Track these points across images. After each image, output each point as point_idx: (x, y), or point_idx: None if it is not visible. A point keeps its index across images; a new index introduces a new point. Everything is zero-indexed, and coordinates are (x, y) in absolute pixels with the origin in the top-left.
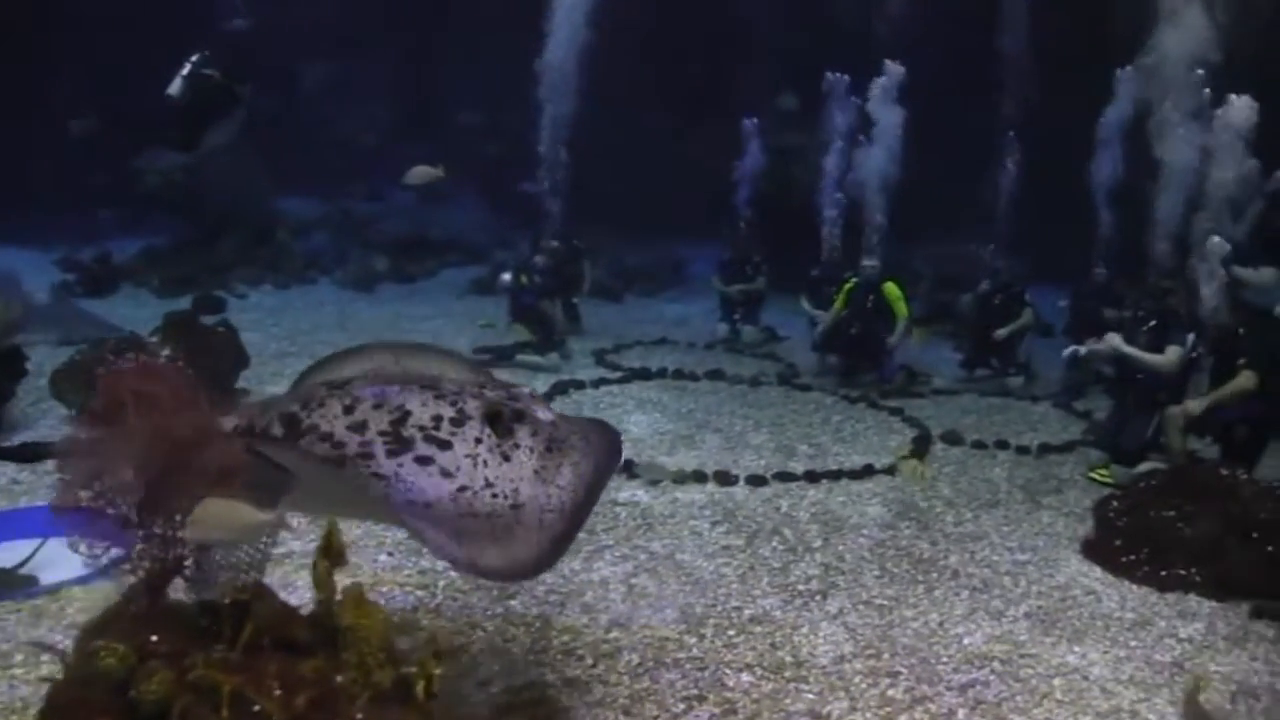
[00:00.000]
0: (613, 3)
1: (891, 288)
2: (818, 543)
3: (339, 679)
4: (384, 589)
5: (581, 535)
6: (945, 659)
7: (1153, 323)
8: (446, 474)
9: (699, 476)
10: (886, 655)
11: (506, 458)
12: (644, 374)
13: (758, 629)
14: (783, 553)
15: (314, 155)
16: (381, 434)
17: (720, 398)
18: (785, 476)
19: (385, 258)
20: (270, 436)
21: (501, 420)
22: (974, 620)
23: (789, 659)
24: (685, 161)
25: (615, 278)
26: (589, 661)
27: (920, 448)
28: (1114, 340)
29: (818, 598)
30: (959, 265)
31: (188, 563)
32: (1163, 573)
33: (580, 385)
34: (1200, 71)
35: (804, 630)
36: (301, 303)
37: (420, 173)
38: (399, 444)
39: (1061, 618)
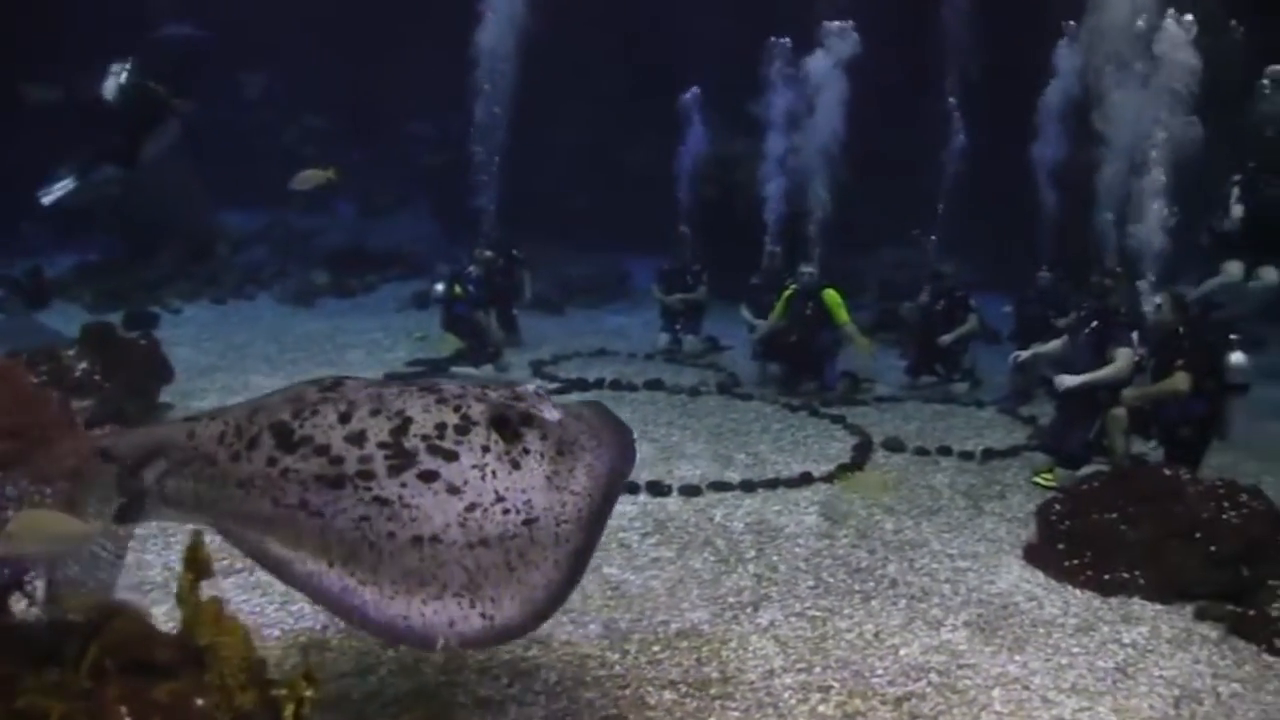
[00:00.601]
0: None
1: (831, 294)
2: (751, 553)
3: (199, 702)
4: (294, 606)
5: None
6: (880, 671)
7: (1094, 324)
8: (453, 490)
9: (631, 487)
10: (818, 669)
11: (516, 465)
12: (581, 385)
13: (684, 644)
14: (714, 564)
15: (255, 167)
16: (382, 446)
17: (658, 408)
18: (721, 486)
19: (326, 272)
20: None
21: (508, 424)
22: (911, 630)
23: (715, 675)
24: (631, 171)
25: (558, 290)
26: (504, 681)
27: (860, 456)
28: (1065, 380)
29: (749, 610)
30: (907, 273)
31: (31, 578)
32: (1106, 576)
33: None
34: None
35: (732, 644)
36: (238, 317)
37: (307, 177)
38: (401, 456)
39: (1002, 625)
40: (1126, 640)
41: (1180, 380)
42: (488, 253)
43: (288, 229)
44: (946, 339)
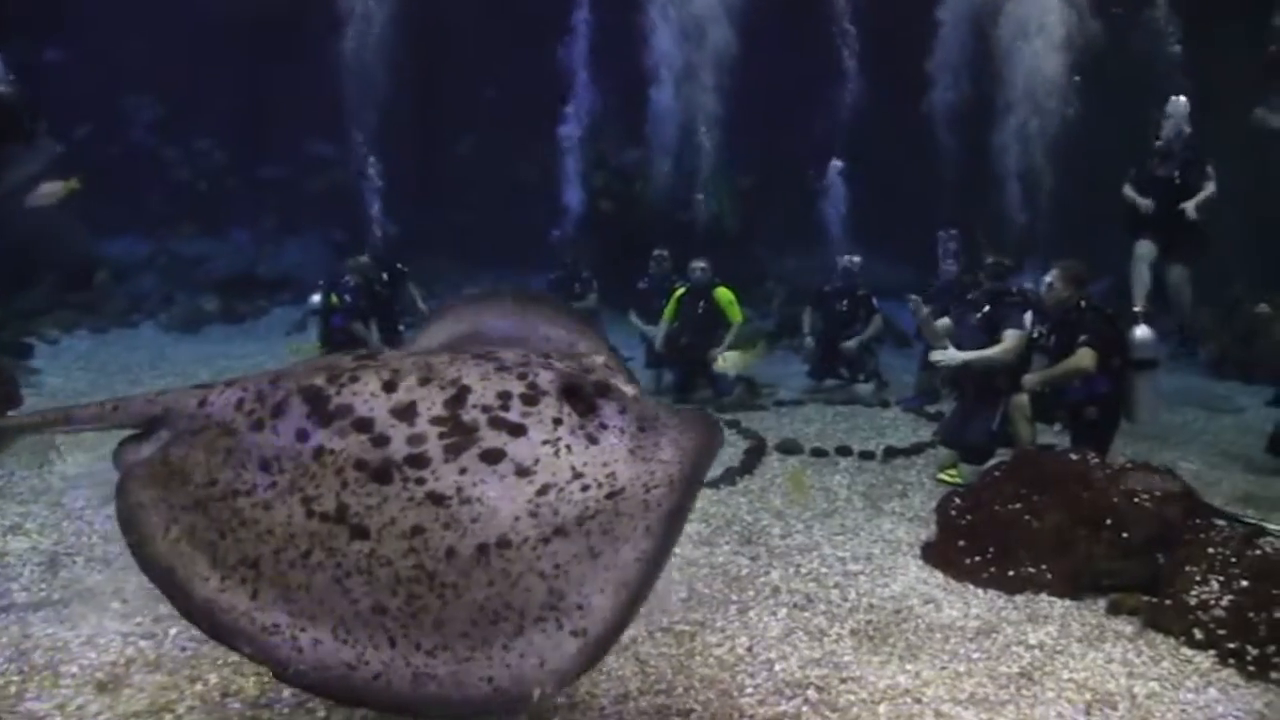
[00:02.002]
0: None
1: (724, 292)
2: None
3: None
4: (102, 640)
5: None
6: (750, 690)
7: (986, 308)
8: (523, 471)
9: None
10: (680, 690)
11: (593, 440)
12: None
13: None
14: None
15: (141, 194)
16: (435, 421)
17: None
18: None
19: (215, 298)
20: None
21: (582, 395)
22: (790, 642)
23: (561, 701)
24: (526, 187)
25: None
26: (321, 714)
27: (752, 460)
28: (948, 355)
29: None
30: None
31: None
32: (1010, 573)
33: None
34: None
35: None
36: (119, 346)
37: (46, 192)
38: (459, 433)
39: (894, 632)
40: (1033, 642)
41: (1085, 357)
42: (363, 258)
43: (172, 256)
44: (850, 345)
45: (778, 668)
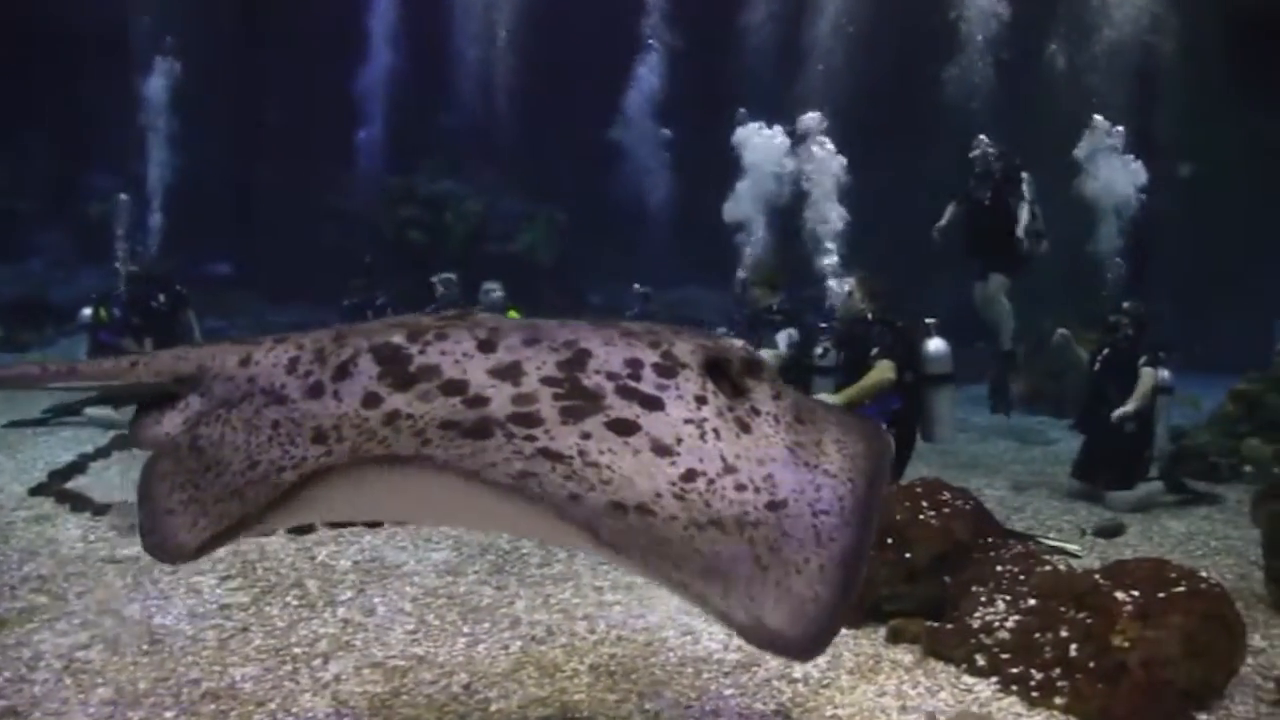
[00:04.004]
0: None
1: (516, 315)
2: (347, 595)
3: None
4: None
5: (39, 598)
6: None
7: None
8: (662, 450)
9: None
10: None
11: (745, 428)
12: None
13: (209, 708)
14: (296, 609)
15: None
16: (548, 382)
17: None
18: (339, 523)
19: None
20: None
21: (729, 372)
22: (516, 679)
23: None
24: (335, 216)
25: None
26: None
27: None
28: None
29: (316, 662)
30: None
31: None
32: None
33: None
34: None
35: (272, 706)
36: None
37: None
38: (580, 397)
39: (639, 667)
40: (797, 675)
41: (886, 369)
42: (133, 266)
43: None
44: None
45: (494, 708)
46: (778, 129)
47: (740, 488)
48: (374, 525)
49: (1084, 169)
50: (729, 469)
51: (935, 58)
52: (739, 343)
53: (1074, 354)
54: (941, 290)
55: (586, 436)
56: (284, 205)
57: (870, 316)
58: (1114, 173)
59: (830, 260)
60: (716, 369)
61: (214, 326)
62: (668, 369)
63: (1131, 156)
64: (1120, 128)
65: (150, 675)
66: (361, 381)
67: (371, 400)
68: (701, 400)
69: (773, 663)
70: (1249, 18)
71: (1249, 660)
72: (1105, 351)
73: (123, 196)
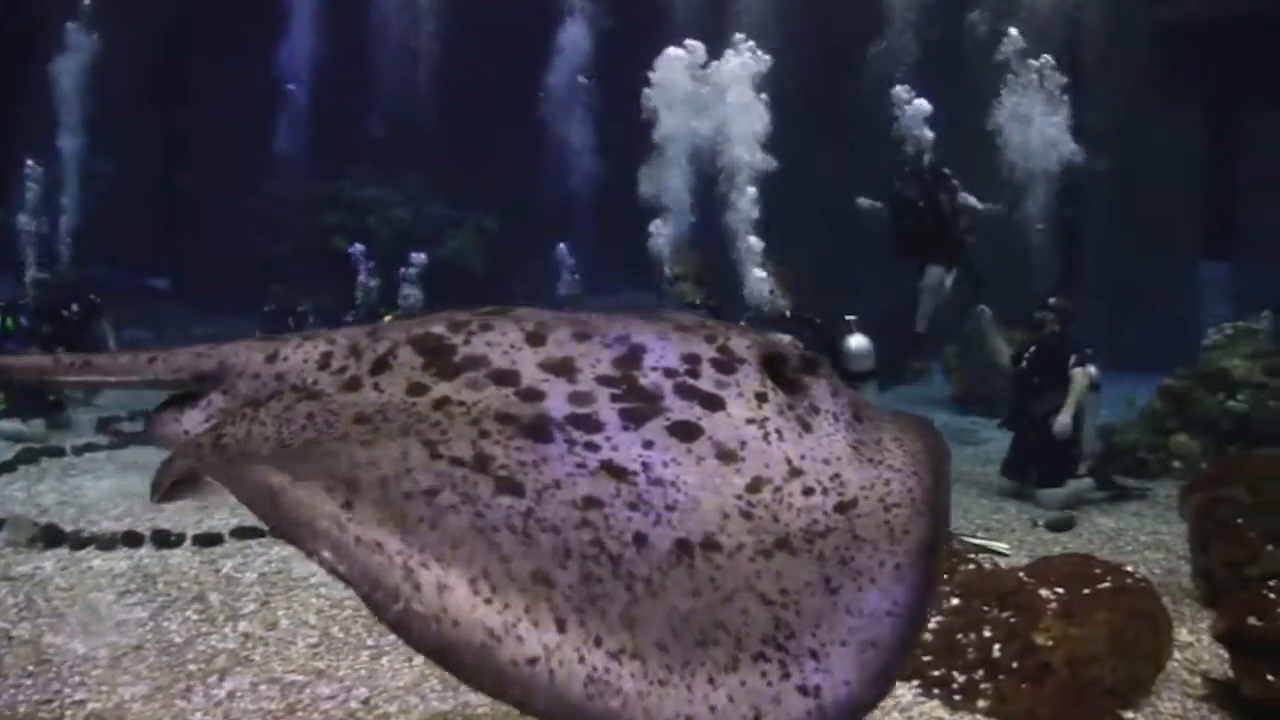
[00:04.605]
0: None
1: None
2: (250, 608)
3: None
4: None
5: None
6: None
7: None
8: (726, 456)
9: (132, 539)
10: None
11: (807, 426)
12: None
13: None
14: (196, 624)
15: None
16: (604, 381)
17: None
18: (248, 533)
19: None
20: None
21: (786, 369)
22: (419, 691)
23: None
24: (259, 222)
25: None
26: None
27: None
28: None
29: (211, 678)
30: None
31: None
32: None
33: (58, 452)
34: None
35: None
36: None
37: None
38: (638, 399)
39: None
40: None
41: None
42: (44, 274)
43: None
44: None
45: None
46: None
47: (808, 491)
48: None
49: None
50: (795, 472)
51: (861, 45)
52: (787, 338)
53: (991, 337)
54: (876, 288)
55: (649, 445)
56: (207, 213)
57: (789, 315)
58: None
59: (751, 246)
60: (775, 364)
61: (137, 337)
62: (726, 364)
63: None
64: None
65: (32, 698)
66: (403, 373)
67: (417, 389)
68: (762, 398)
69: None
70: (1171, 15)
71: (1176, 655)
72: (1032, 349)
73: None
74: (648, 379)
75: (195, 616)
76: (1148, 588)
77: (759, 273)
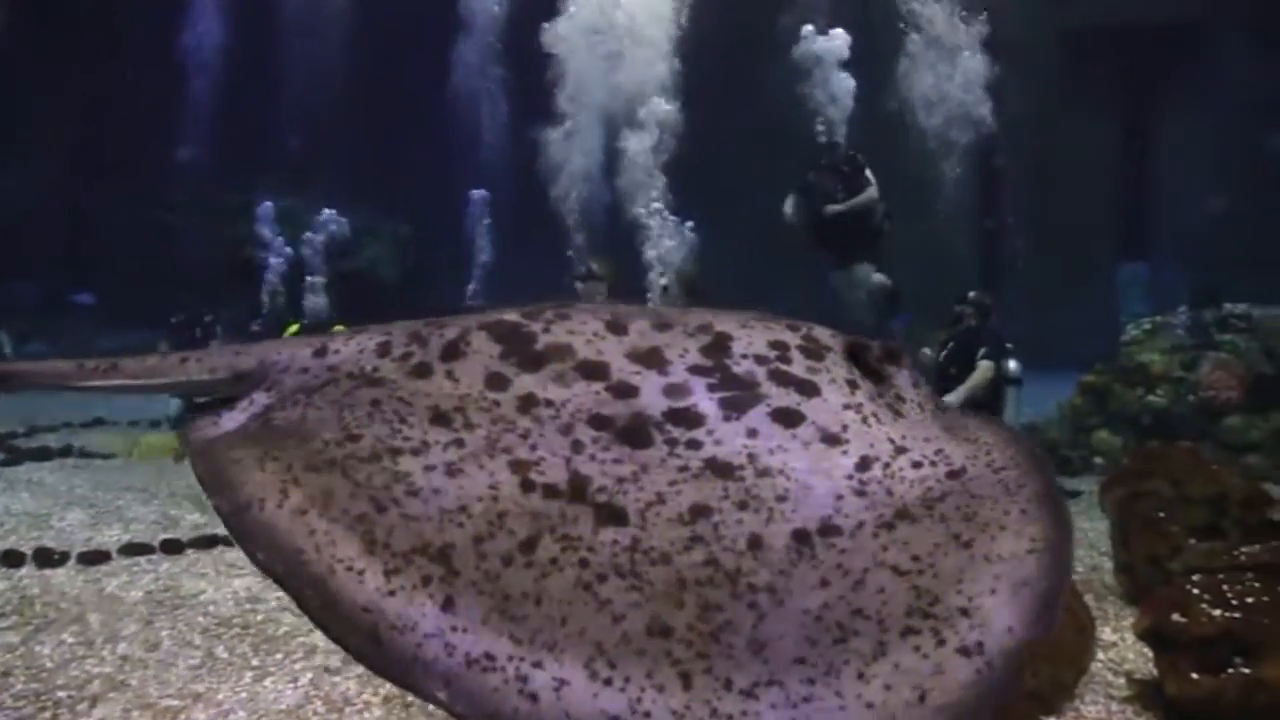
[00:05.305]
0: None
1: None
2: (131, 629)
3: None
4: None
5: None
6: None
7: None
8: (831, 439)
9: (12, 559)
10: None
11: (897, 413)
12: (42, 454)
13: None
14: (71, 646)
15: None
16: (697, 370)
17: (131, 473)
18: (136, 549)
19: None
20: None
21: (868, 359)
22: (300, 714)
23: None
24: (171, 235)
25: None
26: None
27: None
28: None
29: (81, 705)
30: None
31: None
32: None
33: None
34: None
35: None
36: None
37: None
38: (736, 386)
39: None
40: None
41: None
42: None
43: None
44: None
45: None
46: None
47: (917, 465)
48: (173, 551)
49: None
50: (900, 449)
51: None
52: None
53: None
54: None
55: (753, 434)
56: (113, 226)
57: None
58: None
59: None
60: (861, 353)
61: (35, 351)
62: (814, 352)
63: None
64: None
65: None
66: (480, 361)
67: (497, 381)
68: (854, 385)
69: None
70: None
71: (1100, 656)
72: (950, 344)
73: None
74: (740, 367)
75: (72, 639)
76: (1070, 587)
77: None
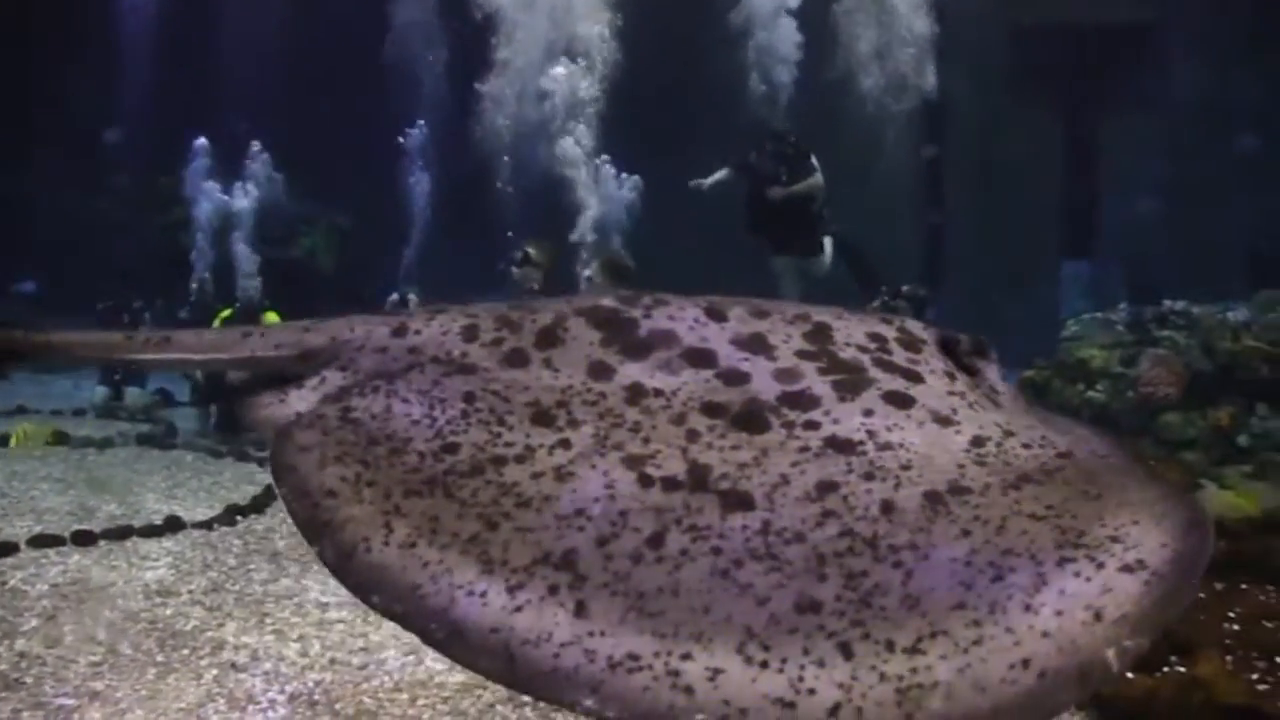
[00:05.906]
0: None
1: (273, 316)
2: (31, 624)
3: None
4: None
5: None
6: None
7: None
8: (943, 419)
9: None
10: None
11: (995, 405)
12: None
13: None
14: None
15: None
16: (804, 355)
17: (48, 464)
18: (45, 541)
19: None
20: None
21: (959, 353)
22: (200, 714)
23: None
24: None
25: None
26: None
27: (270, 496)
28: None
29: None
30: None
31: None
32: None
33: None
34: None
35: None
36: None
37: None
38: (844, 370)
39: (347, 694)
40: (525, 700)
41: None
42: None
43: None
44: None
45: None
46: None
47: (1026, 446)
48: (86, 543)
49: None
50: (1008, 433)
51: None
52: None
53: None
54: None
55: (869, 413)
56: (46, 212)
57: None
58: None
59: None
60: (952, 346)
61: None
62: (911, 344)
63: None
64: None
65: None
66: (580, 349)
67: (601, 371)
68: (951, 376)
69: (499, 689)
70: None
71: None
72: None
73: None
74: (846, 353)
75: None
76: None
77: (585, 272)
